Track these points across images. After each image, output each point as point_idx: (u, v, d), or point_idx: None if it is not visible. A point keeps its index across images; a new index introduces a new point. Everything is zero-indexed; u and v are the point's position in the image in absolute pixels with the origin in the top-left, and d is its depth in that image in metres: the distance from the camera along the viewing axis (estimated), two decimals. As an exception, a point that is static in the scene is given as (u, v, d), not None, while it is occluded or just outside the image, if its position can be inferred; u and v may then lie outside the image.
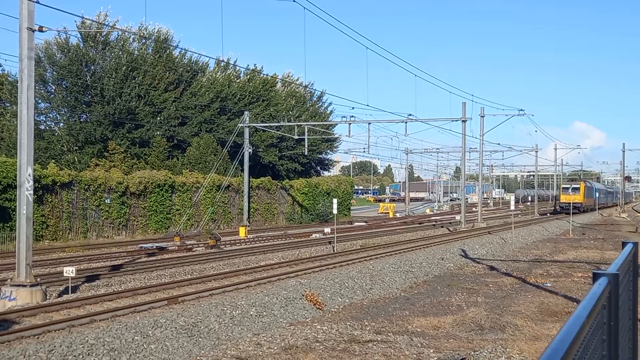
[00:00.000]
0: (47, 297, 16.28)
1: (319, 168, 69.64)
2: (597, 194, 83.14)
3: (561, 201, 72.60)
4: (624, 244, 5.99)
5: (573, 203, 65.75)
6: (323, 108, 67.74)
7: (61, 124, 49.84)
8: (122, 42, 50.26)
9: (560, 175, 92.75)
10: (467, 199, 68.90)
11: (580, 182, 75.67)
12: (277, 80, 61.24)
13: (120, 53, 49.65)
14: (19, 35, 16.59)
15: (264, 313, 14.40)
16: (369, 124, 45.24)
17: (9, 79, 47.71)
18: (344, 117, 45.25)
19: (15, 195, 17.79)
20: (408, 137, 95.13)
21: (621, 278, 4.27)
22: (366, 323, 13.87)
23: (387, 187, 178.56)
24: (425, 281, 21.08)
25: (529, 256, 28.73)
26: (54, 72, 47.77)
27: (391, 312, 15.29)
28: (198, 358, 11.23)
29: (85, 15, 44.82)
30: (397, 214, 73.29)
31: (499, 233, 38.40)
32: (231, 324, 13.28)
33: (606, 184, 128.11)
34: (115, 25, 48.09)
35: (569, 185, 74.62)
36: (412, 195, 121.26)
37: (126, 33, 49.30)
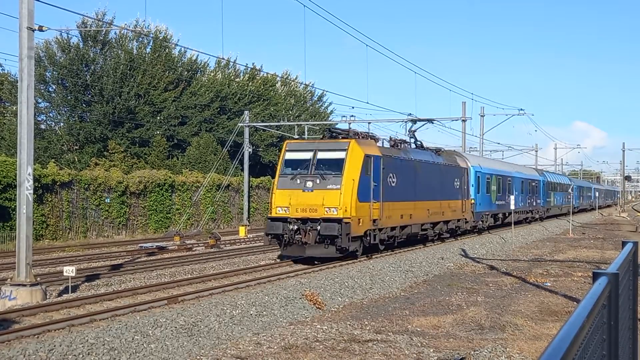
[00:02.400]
0: (47, 297, 16.28)
1: (319, 167, 69.52)
2: (476, 186, 34.65)
3: (274, 214, 21.74)
4: (624, 244, 5.99)
5: (309, 222, 21.09)
6: (323, 107, 67.79)
7: (61, 124, 49.84)
8: (121, 41, 50.26)
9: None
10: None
11: (349, 141, 22.01)
12: (277, 79, 61.25)
13: (120, 52, 49.66)
14: (19, 35, 16.59)
15: (264, 312, 14.39)
16: (369, 123, 45.23)
17: (9, 78, 47.70)
18: (344, 116, 45.44)
19: (15, 195, 17.78)
20: (408, 136, 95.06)
21: (621, 278, 4.27)
22: (366, 322, 13.87)
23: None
24: (425, 281, 21.07)
25: (528, 256, 28.72)
26: (54, 72, 47.76)
27: (391, 312, 15.28)
28: (198, 357, 11.22)
29: (84, 14, 44.79)
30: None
31: (499, 233, 38.39)
32: (231, 323, 13.28)
33: (606, 183, 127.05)
34: (112, 22, 48.11)
35: (308, 154, 22.13)
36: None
37: (124, 31, 49.30)
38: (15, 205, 17.68)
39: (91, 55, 48.08)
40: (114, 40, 49.89)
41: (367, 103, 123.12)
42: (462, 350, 11.30)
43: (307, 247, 21.28)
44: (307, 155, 22.15)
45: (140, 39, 51.03)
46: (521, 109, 51.72)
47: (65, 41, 47.11)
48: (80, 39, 47.60)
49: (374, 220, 22.52)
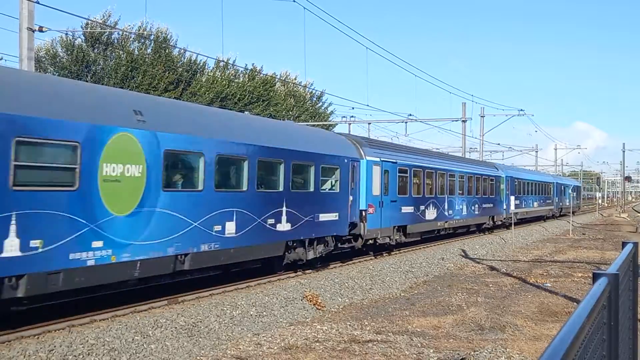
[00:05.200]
0: (47, 297, 16.27)
1: (319, 168, 69.44)
2: None
3: None
4: (623, 244, 6.00)
5: None
6: (323, 108, 67.76)
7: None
8: (122, 42, 50.32)
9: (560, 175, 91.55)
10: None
11: None
12: (276, 80, 61.27)
13: (121, 53, 49.71)
14: (19, 35, 16.60)
15: (264, 313, 14.39)
16: (369, 124, 45.30)
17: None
18: (344, 117, 45.42)
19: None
20: (408, 137, 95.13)
21: (621, 278, 4.27)
22: (366, 323, 13.87)
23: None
24: (425, 281, 21.07)
25: (529, 256, 28.73)
26: (55, 73, 47.74)
27: (391, 312, 15.28)
28: (198, 358, 11.23)
29: (85, 16, 44.93)
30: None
31: (499, 233, 38.42)
32: (231, 324, 13.28)
33: (606, 184, 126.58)
34: (116, 24, 48.19)
35: None
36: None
37: (125, 33, 49.35)
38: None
39: (92, 55, 48.09)
40: (116, 41, 49.94)
41: (368, 106, 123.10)
42: (462, 351, 11.31)
43: None
44: None
45: (142, 40, 51.08)
46: (521, 110, 51.84)
47: (69, 42, 47.10)
48: (82, 40, 47.64)
49: None
